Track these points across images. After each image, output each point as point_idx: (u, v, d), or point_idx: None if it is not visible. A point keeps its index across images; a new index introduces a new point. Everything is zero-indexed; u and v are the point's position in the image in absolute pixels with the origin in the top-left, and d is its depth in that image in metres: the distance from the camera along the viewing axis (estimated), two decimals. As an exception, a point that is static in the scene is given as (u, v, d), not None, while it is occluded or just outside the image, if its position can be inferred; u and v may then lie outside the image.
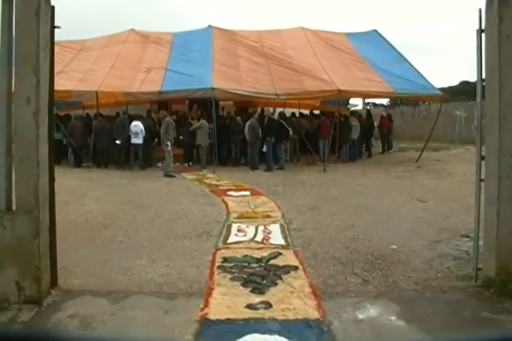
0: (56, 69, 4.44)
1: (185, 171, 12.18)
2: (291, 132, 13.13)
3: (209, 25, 16.48)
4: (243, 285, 3.95)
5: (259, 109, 16.13)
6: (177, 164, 13.11)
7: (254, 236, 5.63)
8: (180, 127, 13.75)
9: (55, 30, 3.84)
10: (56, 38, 3.87)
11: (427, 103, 21.56)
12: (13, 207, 3.61)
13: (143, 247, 5.19)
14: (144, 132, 12.54)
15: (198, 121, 13.29)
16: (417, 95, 14.22)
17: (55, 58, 4.03)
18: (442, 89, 17.72)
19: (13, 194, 3.65)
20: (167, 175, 11.23)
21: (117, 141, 12.65)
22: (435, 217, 6.67)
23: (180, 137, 13.43)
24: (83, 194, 8.61)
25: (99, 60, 14.71)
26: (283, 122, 12.99)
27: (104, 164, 13.00)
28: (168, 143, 11.44)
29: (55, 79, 4.03)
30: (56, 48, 4.14)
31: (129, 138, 12.55)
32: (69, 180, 9.72)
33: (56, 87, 4.11)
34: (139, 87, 13.14)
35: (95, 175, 11.37)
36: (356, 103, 22.57)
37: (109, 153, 13.17)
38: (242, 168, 12.79)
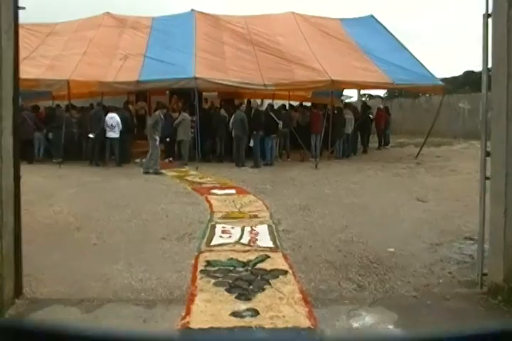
0: (21, 55, 4.36)
1: (166, 168, 12.09)
2: (280, 125, 13.20)
3: (192, 10, 16.39)
4: (228, 291, 3.96)
5: (245, 101, 16.12)
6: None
7: (240, 237, 5.65)
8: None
9: (20, 11, 3.76)
10: (21, 20, 3.80)
11: (427, 95, 21.72)
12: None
13: (119, 250, 5.17)
14: (120, 125, 12.47)
15: (179, 114, 13.33)
16: (417, 86, 14.30)
17: (20, 43, 3.96)
18: (445, 80, 17.84)
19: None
20: (156, 173, 11.19)
21: (91, 135, 12.52)
22: (436, 218, 6.71)
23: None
24: (52, 193, 8.50)
25: (70, 46, 14.45)
26: (272, 115, 13.04)
27: (75, 159, 12.85)
28: (157, 137, 11.40)
29: (20, 67, 3.96)
30: (21, 31, 4.07)
31: (104, 131, 12.47)
32: (36, 178, 9.57)
33: (21, 75, 4.04)
34: (115, 76, 13.00)
35: (66, 171, 11.23)
36: (351, 94, 22.73)
37: (82, 148, 13.09)
38: (228, 165, 12.78)
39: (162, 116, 11.68)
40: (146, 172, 11.21)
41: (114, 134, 12.47)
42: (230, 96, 16.83)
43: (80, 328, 0.69)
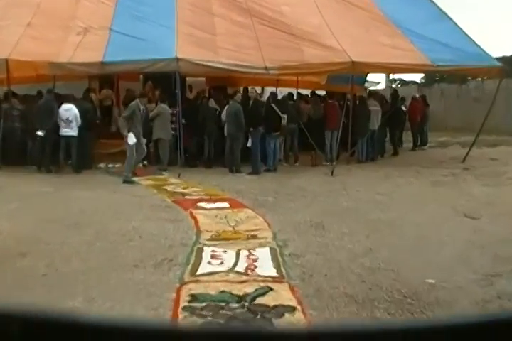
0: None
1: (140, 174, 12.16)
2: (284, 120, 13.21)
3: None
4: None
5: (241, 89, 16.17)
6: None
7: (235, 264, 5.67)
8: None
9: None
10: None
11: (479, 79, 21.75)
12: None
13: (76, 282, 5.16)
14: (78, 120, 12.47)
15: (156, 105, 13.37)
16: (465, 68, 14.22)
17: None
18: (502, 59, 17.78)
19: None
20: (127, 181, 11.19)
21: (39, 132, 12.48)
22: (491, 241, 6.71)
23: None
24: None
25: (8, 14, 13.99)
26: (274, 107, 13.05)
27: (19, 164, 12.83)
28: (131, 134, 11.27)
29: None
30: None
31: (58, 128, 12.49)
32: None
33: None
34: (71, 55, 12.85)
35: (5, 180, 11.11)
36: (377, 80, 22.87)
37: (27, 149, 13.07)
38: (219, 170, 12.86)
39: (142, 108, 11.65)
40: (128, 182, 11.28)
41: (70, 131, 12.49)
42: (222, 83, 16.91)
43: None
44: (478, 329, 0.79)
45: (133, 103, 11.70)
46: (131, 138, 11.33)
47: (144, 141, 11.95)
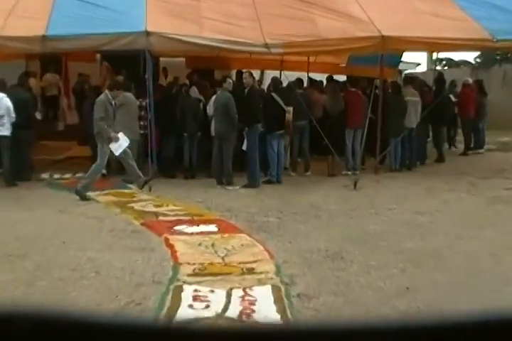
0: None
1: (97, 188, 12.05)
2: (290, 115, 13.11)
3: None
4: None
5: (233, 74, 16.22)
6: (78, 175, 13.11)
7: (226, 308, 5.68)
8: (82, 104, 13.80)
9: None
10: None
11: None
12: None
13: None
14: (12, 114, 12.44)
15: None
16: None
17: None
18: None
19: None
20: (81, 197, 11.18)
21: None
22: None
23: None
24: None
25: None
26: (277, 97, 13.10)
27: None
28: (121, 140, 11.33)
29: None
30: None
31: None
32: None
33: None
34: (2, 26, 12.68)
35: None
36: (416, 61, 22.96)
37: None
38: (204, 182, 12.88)
39: (113, 101, 11.69)
40: (82, 196, 11.19)
41: (1, 130, 12.54)
42: (207, 66, 16.95)
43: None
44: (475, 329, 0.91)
45: (101, 97, 11.78)
46: (120, 145, 11.38)
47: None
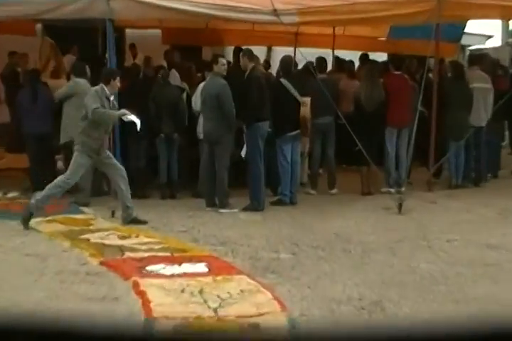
0: None
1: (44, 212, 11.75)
2: (306, 108, 12.76)
3: None
4: None
5: (229, 52, 16.18)
6: (11, 194, 13.18)
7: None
8: (15, 96, 13.94)
9: None
10: None
11: None
12: None
13: None
14: None
15: (69, 80, 13.34)
16: None
17: None
18: None
19: None
20: (24, 223, 11.25)
21: None
22: None
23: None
24: None
25: None
26: (288, 84, 12.72)
27: None
28: (116, 113, 11.61)
29: None
30: None
31: None
32: None
33: None
34: None
35: None
36: (486, 32, 22.82)
37: None
38: (188, 203, 12.90)
39: (111, 97, 11.84)
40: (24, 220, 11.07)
41: None
42: (192, 41, 17.01)
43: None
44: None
45: (97, 88, 11.81)
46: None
47: (107, 153, 11.91)
